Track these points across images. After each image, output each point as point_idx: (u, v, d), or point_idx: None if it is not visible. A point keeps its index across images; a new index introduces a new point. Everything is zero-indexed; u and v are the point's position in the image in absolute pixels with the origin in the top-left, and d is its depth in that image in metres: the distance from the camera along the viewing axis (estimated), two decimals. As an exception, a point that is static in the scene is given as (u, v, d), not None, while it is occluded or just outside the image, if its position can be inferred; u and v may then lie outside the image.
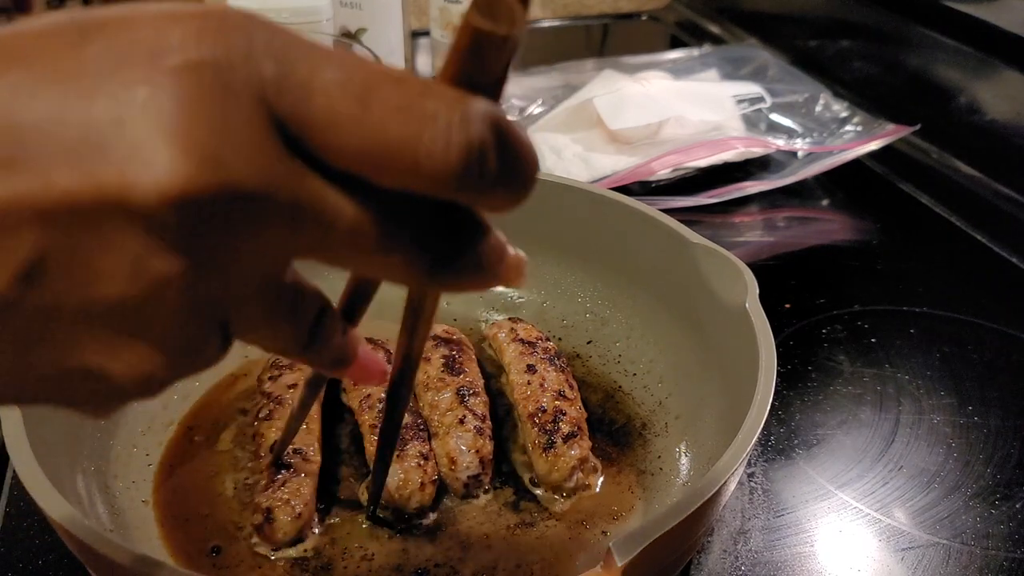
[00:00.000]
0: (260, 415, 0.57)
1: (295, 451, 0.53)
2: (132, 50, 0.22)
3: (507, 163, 0.25)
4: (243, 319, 0.26)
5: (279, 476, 0.52)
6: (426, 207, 0.26)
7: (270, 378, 0.59)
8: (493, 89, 0.26)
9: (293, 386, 0.58)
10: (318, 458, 0.54)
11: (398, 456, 0.53)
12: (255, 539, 0.51)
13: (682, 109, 0.96)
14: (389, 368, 0.39)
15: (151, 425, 0.59)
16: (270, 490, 0.51)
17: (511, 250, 0.29)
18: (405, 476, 0.52)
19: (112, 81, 0.22)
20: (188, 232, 0.22)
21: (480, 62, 0.25)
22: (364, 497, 0.54)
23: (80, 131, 0.21)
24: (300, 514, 0.50)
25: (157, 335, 0.24)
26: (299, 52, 0.23)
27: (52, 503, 0.40)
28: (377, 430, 0.54)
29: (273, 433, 0.54)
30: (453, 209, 0.27)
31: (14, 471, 0.59)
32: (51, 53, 0.22)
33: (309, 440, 0.54)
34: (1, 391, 0.25)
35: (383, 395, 0.57)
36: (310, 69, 0.23)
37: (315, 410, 0.57)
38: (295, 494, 0.51)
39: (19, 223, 0.21)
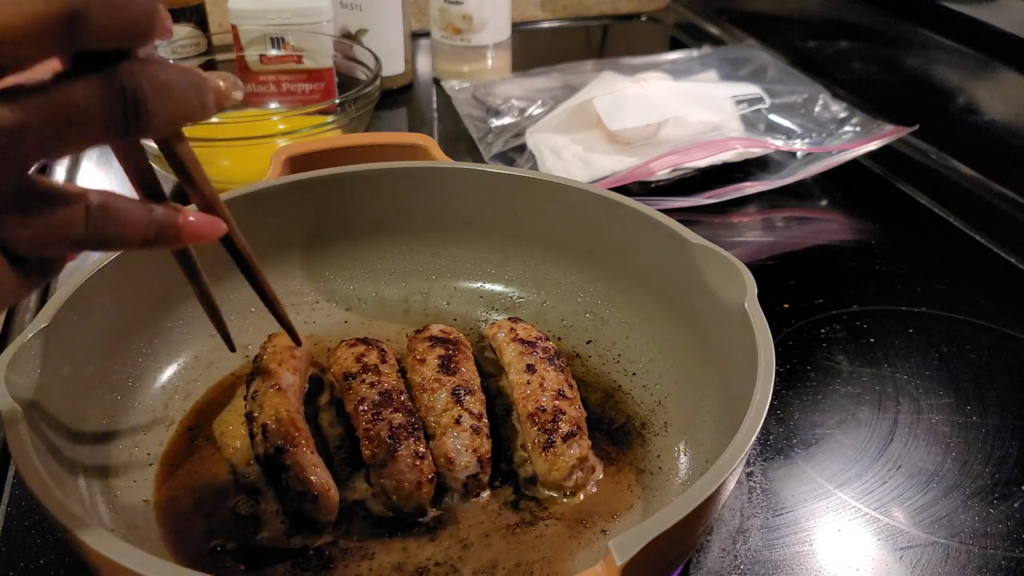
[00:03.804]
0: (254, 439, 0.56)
1: (277, 450, 0.53)
2: None
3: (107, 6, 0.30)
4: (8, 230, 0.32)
5: (282, 479, 0.52)
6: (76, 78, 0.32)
7: (245, 398, 0.59)
8: None
9: (255, 395, 0.58)
10: (303, 438, 0.54)
11: (394, 456, 0.53)
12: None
13: (681, 110, 0.96)
14: (222, 222, 0.42)
15: (152, 425, 0.59)
16: (287, 497, 0.52)
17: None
18: (402, 476, 0.52)
19: None
20: None
21: None
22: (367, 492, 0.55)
23: None
24: (317, 496, 0.51)
25: None
26: None
27: (54, 502, 0.40)
28: (371, 434, 0.54)
29: (259, 448, 0.55)
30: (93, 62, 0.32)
31: (15, 471, 0.59)
32: None
33: (283, 432, 0.54)
34: None
35: (377, 397, 0.57)
36: None
37: (282, 406, 0.56)
38: (305, 485, 0.52)
39: None
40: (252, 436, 0.56)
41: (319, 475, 0.52)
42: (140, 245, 0.38)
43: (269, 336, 0.63)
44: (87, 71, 0.32)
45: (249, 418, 0.57)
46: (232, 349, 0.57)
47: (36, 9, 0.28)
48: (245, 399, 0.59)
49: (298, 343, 0.58)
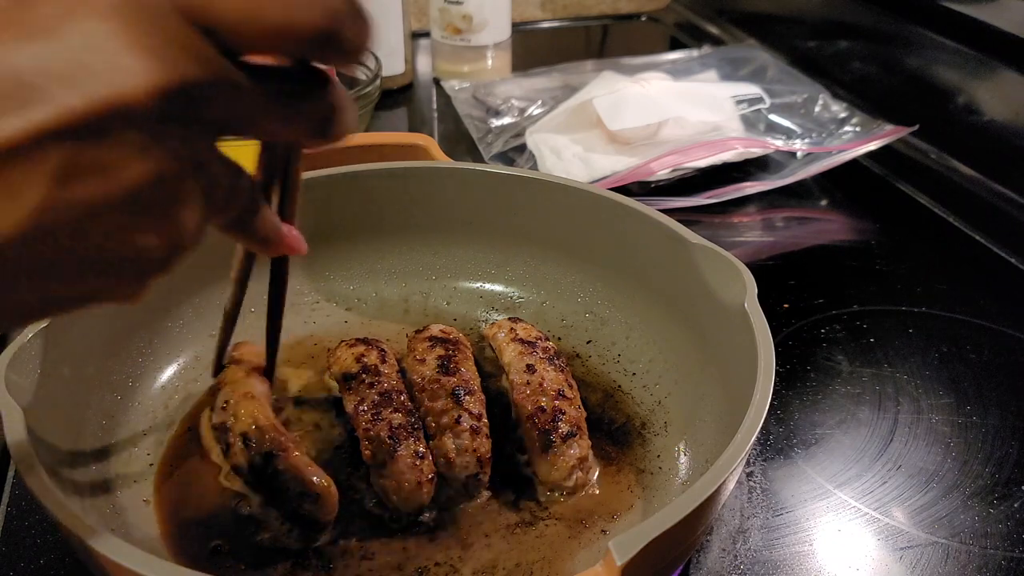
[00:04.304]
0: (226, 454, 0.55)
1: (268, 454, 0.52)
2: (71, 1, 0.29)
3: (355, 28, 0.33)
4: (217, 186, 0.34)
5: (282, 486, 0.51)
6: (293, 76, 0.35)
7: (211, 409, 0.58)
8: None
9: (226, 405, 0.56)
10: (287, 439, 0.54)
11: (394, 456, 0.53)
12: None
13: (681, 110, 0.96)
14: (305, 244, 0.46)
15: (152, 425, 0.59)
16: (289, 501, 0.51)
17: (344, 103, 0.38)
18: (402, 476, 0.52)
19: (72, 24, 0.28)
20: (167, 116, 0.30)
21: None
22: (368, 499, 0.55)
23: (65, 65, 0.28)
24: (320, 494, 0.51)
25: (168, 207, 0.31)
26: None
27: (54, 503, 0.40)
28: (371, 434, 0.54)
29: (241, 459, 0.53)
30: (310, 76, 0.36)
31: (15, 471, 0.59)
32: (9, 16, 0.28)
33: (269, 437, 0.53)
34: (50, 292, 0.31)
35: (376, 397, 0.57)
36: None
37: (261, 413, 0.56)
38: (310, 486, 0.51)
39: (44, 143, 0.28)
40: (226, 447, 0.55)
41: (318, 474, 0.52)
42: (258, 242, 0.41)
43: (235, 345, 0.62)
44: (309, 78, 0.36)
45: (222, 429, 0.55)
46: (215, 374, 0.60)
47: (306, 20, 0.32)
48: (212, 411, 0.58)
49: (270, 379, 0.61)
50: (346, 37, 0.33)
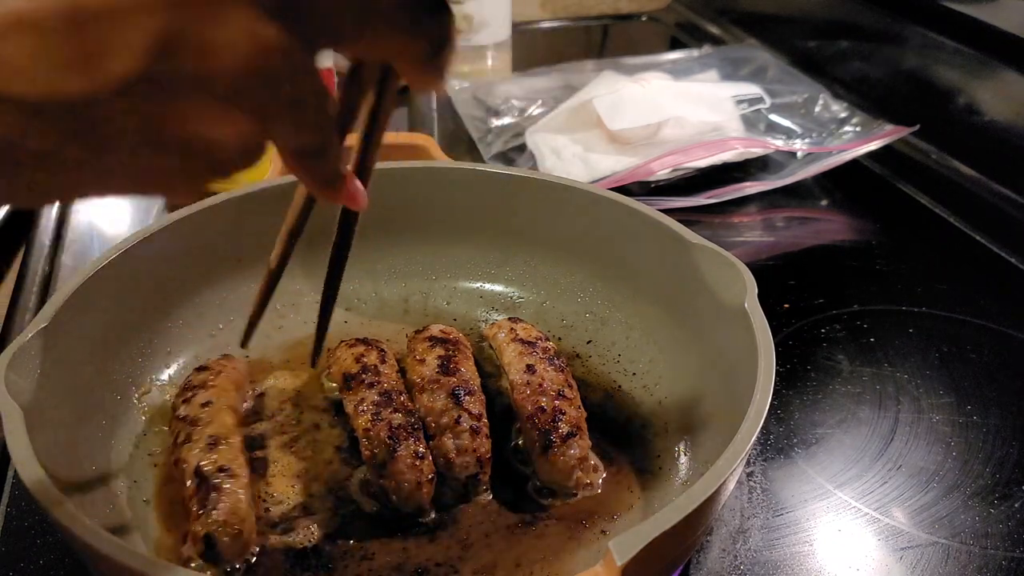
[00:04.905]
0: (178, 440, 0.53)
1: (220, 469, 0.50)
2: None
3: None
4: (306, 102, 0.32)
5: (210, 498, 0.49)
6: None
7: (183, 401, 0.56)
8: None
9: (207, 404, 0.55)
10: (245, 471, 0.52)
11: (394, 456, 0.53)
12: (196, 563, 0.49)
13: (682, 110, 0.96)
14: (366, 200, 0.42)
15: (152, 425, 0.59)
16: (203, 515, 0.49)
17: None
18: (401, 476, 0.52)
19: None
20: (284, 4, 0.28)
21: None
22: (365, 500, 0.55)
23: None
24: (240, 532, 0.49)
25: (261, 102, 0.29)
26: None
27: (54, 503, 0.40)
28: (371, 434, 0.54)
29: (195, 456, 0.51)
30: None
31: (15, 471, 0.59)
32: None
33: (232, 455, 0.52)
34: (104, 164, 0.28)
35: (376, 397, 0.56)
36: None
37: (236, 429, 0.55)
38: (231, 514, 0.49)
39: (149, 9, 0.26)
40: (184, 438, 0.53)
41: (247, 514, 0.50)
42: (321, 182, 0.38)
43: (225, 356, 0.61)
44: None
45: (188, 421, 0.54)
46: (244, 344, 0.54)
47: None
48: (184, 402, 0.56)
49: (313, 363, 0.57)
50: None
